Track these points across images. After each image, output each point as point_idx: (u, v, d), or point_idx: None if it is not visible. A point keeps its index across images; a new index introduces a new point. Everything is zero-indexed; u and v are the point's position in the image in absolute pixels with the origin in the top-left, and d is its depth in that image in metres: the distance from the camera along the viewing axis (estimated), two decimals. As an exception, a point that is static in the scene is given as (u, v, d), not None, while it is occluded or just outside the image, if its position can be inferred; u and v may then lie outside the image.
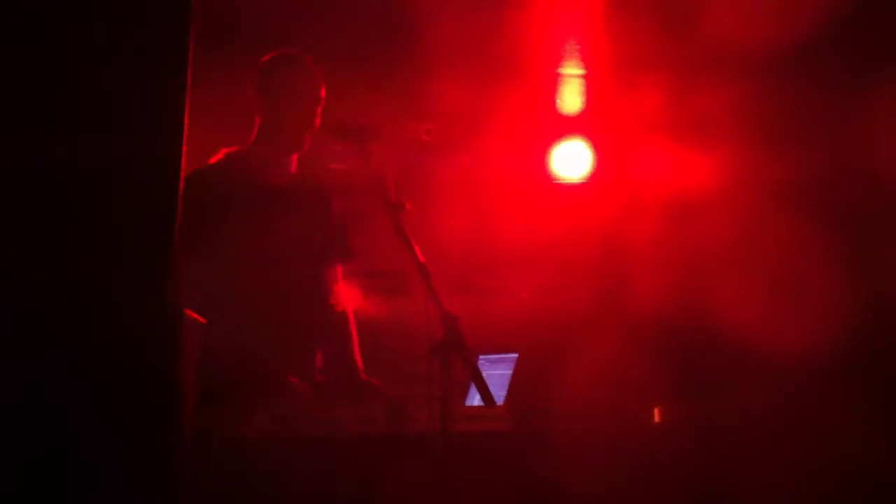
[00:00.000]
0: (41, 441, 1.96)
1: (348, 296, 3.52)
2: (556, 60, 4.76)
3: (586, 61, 4.77)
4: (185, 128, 2.17)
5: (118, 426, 1.97)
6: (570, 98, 5.15)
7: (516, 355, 3.54)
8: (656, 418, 3.11)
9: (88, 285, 2.05)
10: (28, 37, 2.07)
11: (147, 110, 2.13)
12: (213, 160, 3.35)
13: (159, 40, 2.16)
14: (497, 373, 3.57)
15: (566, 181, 5.30)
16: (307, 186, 3.40)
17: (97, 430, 1.98)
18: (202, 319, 2.55)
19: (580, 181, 5.28)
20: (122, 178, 2.10)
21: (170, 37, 2.16)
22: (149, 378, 1.99)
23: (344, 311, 3.49)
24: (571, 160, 5.34)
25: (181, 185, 2.17)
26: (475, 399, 3.32)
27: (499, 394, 3.28)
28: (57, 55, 2.07)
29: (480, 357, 3.54)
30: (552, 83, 4.95)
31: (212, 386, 2.53)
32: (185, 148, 2.20)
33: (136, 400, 1.98)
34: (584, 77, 4.94)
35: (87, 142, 2.08)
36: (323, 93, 3.31)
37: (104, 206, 2.07)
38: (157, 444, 1.97)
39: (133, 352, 1.99)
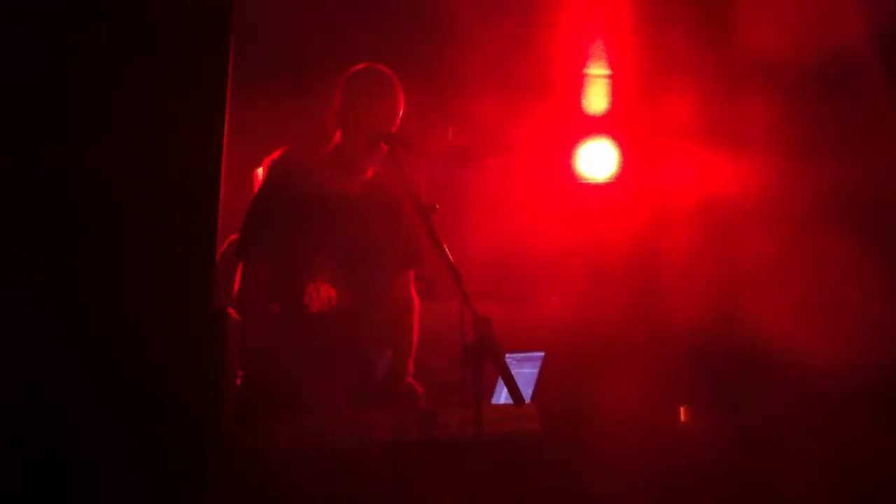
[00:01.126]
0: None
1: (415, 302, 3.56)
2: (583, 62, 4.78)
3: (612, 63, 4.78)
4: (225, 138, 2.22)
5: (161, 433, 2.00)
6: (597, 99, 5.16)
7: (542, 354, 3.57)
8: (682, 417, 3.13)
9: (132, 290, 2.09)
10: (83, 51, 2.11)
11: (189, 121, 2.18)
12: (299, 151, 3.39)
13: (199, 41, 2.19)
14: (523, 371, 3.60)
15: (592, 182, 5.32)
16: (379, 193, 3.44)
17: (137, 436, 2.01)
18: (237, 316, 2.57)
19: (606, 182, 5.30)
20: (167, 185, 2.14)
21: (210, 38, 2.19)
22: (195, 384, 2.02)
23: (411, 315, 3.51)
24: (597, 161, 5.37)
25: (221, 193, 2.22)
26: (502, 397, 3.36)
27: (525, 392, 3.31)
28: (109, 69, 2.12)
29: (507, 355, 3.57)
30: (578, 84, 4.96)
31: (253, 392, 2.56)
32: (225, 154, 2.25)
33: (181, 408, 2.01)
34: (611, 78, 4.96)
35: (135, 150, 2.13)
36: (401, 108, 3.34)
37: (151, 213, 2.11)
38: (198, 456, 2.00)
39: (178, 357, 2.03)
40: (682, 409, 3.15)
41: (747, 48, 3.96)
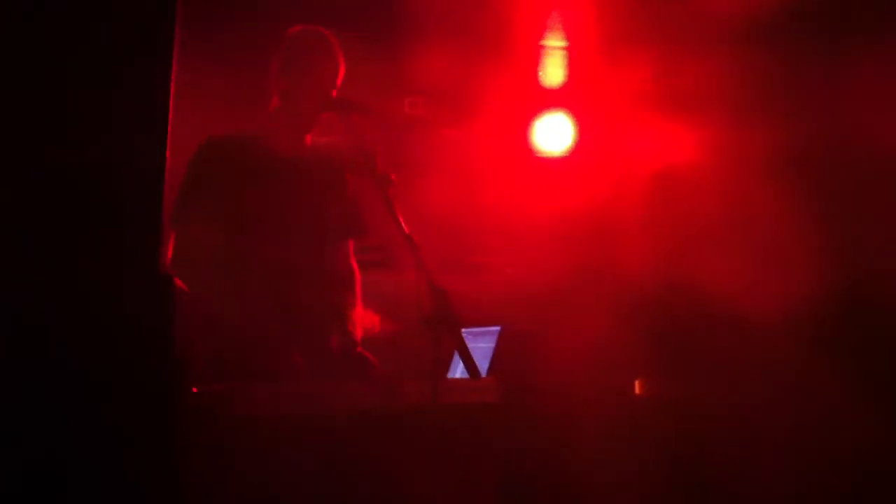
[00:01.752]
0: (35, 433, 1.95)
1: (356, 272, 3.51)
2: (540, 33, 4.76)
3: (569, 34, 4.77)
4: (171, 111, 2.17)
5: (116, 413, 1.97)
6: (553, 71, 5.15)
7: (499, 328, 3.56)
8: (637, 390, 3.15)
9: (80, 272, 2.05)
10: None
11: (131, 98, 2.13)
12: (229, 132, 3.33)
13: (144, 38, 2.14)
14: (479, 346, 3.59)
15: (548, 155, 5.32)
16: (321, 160, 3.38)
17: (94, 417, 1.98)
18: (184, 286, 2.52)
19: (562, 155, 5.30)
20: (109, 170, 2.09)
21: (154, 34, 2.15)
22: (145, 353, 1.99)
23: (353, 285, 3.47)
24: (554, 133, 5.35)
25: (167, 165, 2.16)
26: (458, 371, 3.35)
27: (481, 366, 3.30)
28: (38, 49, 2.06)
29: (463, 330, 3.56)
30: (536, 56, 4.94)
31: (210, 356, 2.54)
32: (170, 130, 2.19)
33: (133, 383, 1.98)
34: (567, 49, 4.94)
35: (73, 134, 2.07)
36: (342, 73, 3.28)
37: (93, 198, 2.06)
38: (157, 433, 1.97)
39: (128, 332, 2.00)
40: (636, 383, 3.16)
41: (700, 11, 3.96)
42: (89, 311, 2.00)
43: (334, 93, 3.26)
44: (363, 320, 3.31)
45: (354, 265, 3.52)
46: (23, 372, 1.96)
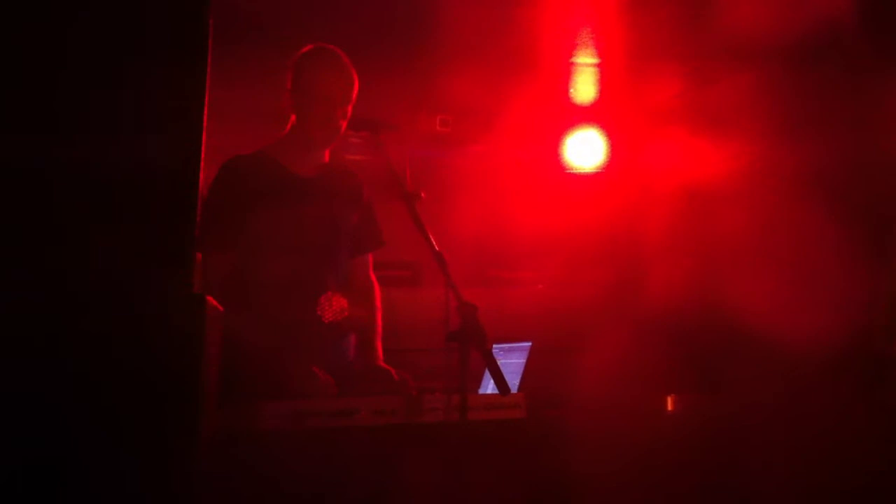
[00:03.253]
0: (50, 436, 1.97)
1: (375, 286, 3.53)
2: (570, 50, 4.77)
3: (600, 51, 4.77)
4: (205, 123, 2.20)
5: (137, 422, 1.99)
6: (584, 88, 5.15)
7: (530, 344, 3.56)
8: (669, 407, 3.12)
9: (111, 280, 2.07)
10: (52, 40, 2.09)
11: (167, 107, 2.15)
12: (249, 151, 3.37)
13: (177, 38, 2.17)
14: (511, 361, 3.59)
15: (580, 171, 5.31)
16: (336, 176, 3.42)
17: (116, 427, 2.00)
18: (220, 307, 2.56)
19: (594, 171, 5.29)
20: (143, 174, 2.12)
21: (187, 35, 2.18)
22: (172, 372, 2.01)
23: (372, 299, 3.49)
24: (585, 150, 5.35)
25: (201, 178, 2.19)
26: (489, 387, 3.35)
27: (512, 382, 3.30)
28: (74, 55, 2.10)
29: (494, 346, 3.56)
30: (566, 73, 4.95)
31: (232, 377, 2.55)
32: (204, 143, 2.22)
33: (157, 395, 2.00)
34: (598, 66, 4.95)
35: (109, 141, 2.11)
36: (355, 91, 3.30)
37: (127, 203, 2.09)
38: (175, 441, 1.99)
39: (156, 345, 2.02)
40: (669, 399, 3.14)
41: (730, 29, 3.96)
42: (115, 312, 2.02)
43: (349, 109, 3.29)
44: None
45: (374, 279, 3.55)
46: (34, 373, 1.97)
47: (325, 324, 3.25)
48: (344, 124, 3.29)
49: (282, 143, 3.37)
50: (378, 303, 3.51)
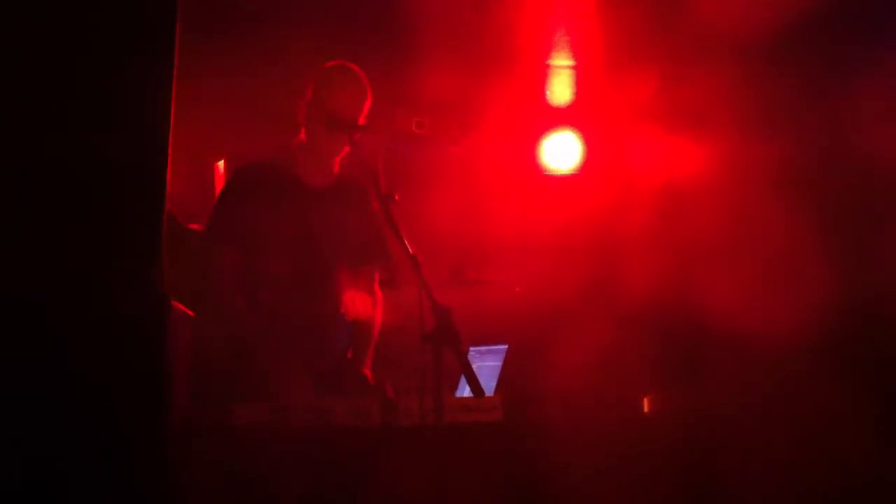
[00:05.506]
0: (30, 433, 1.95)
1: (370, 301, 3.53)
2: (546, 51, 4.77)
3: (576, 52, 4.77)
4: (172, 120, 2.18)
5: (108, 417, 1.97)
6: (560, 89, 5.15)
7: (506, 347, 3.55)
8: (646, 407, 3.12)
9: (77, 277, 2.05)
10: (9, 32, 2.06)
11: (133, 104, 2.13)
12: (263, 158, 3.47)
13: (144, 35, 2.16)
14: (487, 364, 3.58)
15: (556, 173, 5.31)
16: (345, 189, 3.48)
17: (87, 421, 1.98)
18: (190, 312, 2.56)
19: (570, 172, 5.29)
20: (110, 171, 2.10)
21: (155, 31, 2.16)
22: (137, 368, 1.99)
23: (369, 314, 3.51)
24: (561, 152, 5.35)
25: (168, 176, 2.17)
26: (466, 390, 3.33)
27: (489, 385, 3.29)
28: (37, 52, 2.07)
29: (471, 349, 3.55)
30: (542, 74, 4.95)
31: (209, 374, 2.56)
32: (171, 140, 2.20)
33: (124, 390, 1.98)
34: (574, 68, 4.94)
35: (74, 137, 2.08)
36: (368, 104, 3.38)
37: (92, 201, 2.07)
38: (146, 435, 1.97)
39: (122, 342, 2.00)
40: (646, 399, 3.14)
41: (704, 28, 3.97)
42: (81, 307, 2.00)
43: (361, 120, 3.35)
44: (358, 303, 3.35)
45: (378, 291, 3.59)
46: (11, 371, 1.95)
47: (324, 322, 3.33)
48: (357, 138, 3.29)
49: (294, 152, 3.44)
50: (380, 316, 3.56)
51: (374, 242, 3.52)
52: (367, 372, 3.42)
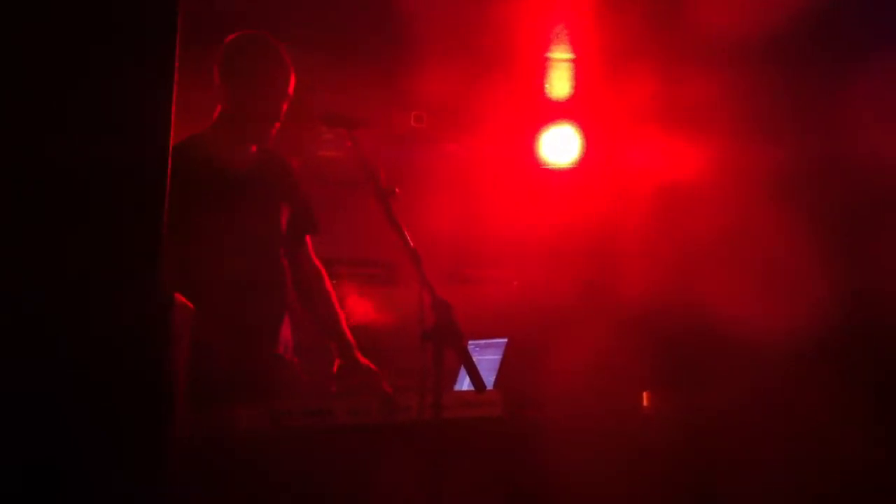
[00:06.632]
0: (32, 435, 1.95)
1: (321, 269, 3.48)
2: (545, 45, 4.77)
3: (575, 46, 4.77)
4: (173, 120, 2.18)
5: (108, 418, 1.97)
6: (559, 84, 5.15)
7: (505, 340, 3.55)
8: (645, 402, 3.13)
9: (77, 278, 2.05)
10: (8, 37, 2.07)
11: (134, 105, 2.13)
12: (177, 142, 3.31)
13: (145, 36, 2.15)
14: (486, 358, 3.58)
15: (555, 167, 5.31)
16: (269, 167, 3.35)
17: (89, 422, 1.98)
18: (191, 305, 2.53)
19: (569, 167, 5.29)
20: (110, 172, 2.10)
21: (156, 32, 2.16)
22: (141, 368, 1.99)
23: (323, 285, 3.44)
24: (560, 146, 5.35)
25: (169, 175, 2.17)
26: (464, 384, 3.34)
27: (488, 379, 3.30)
28: (36, 53, 2.08)
29: (470, 342, 3.55)
30: (541, 69, 4.95)
31: (199, 377, 2.53)
32: (171, 140, 2.20)
33: (128, 391, 1.98)
34: (573, 62, 4.94)
35: (74, 138, 2.08)
36: (292, 84, 3.20)
37: (92, 202, 2.07)
38: (147, 436, 1.97)
39: (125, 341, 2.00)
40: (644, 395, 3.15)
41: (706, 28, 3.97)
42: (81, 307, 2.00)
43: (286, 103, 3.21)
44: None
45: (318, 263, 3.48)
46: (11, 371, 1.95)
47: (271, 313, 3.20)
48: (282, 117, 3.19)
49: (212, 133, 3.25)
50: (329, 287, 3.46)
51: (303, 216, 3.43)
52: (363, 359, 3.33)
